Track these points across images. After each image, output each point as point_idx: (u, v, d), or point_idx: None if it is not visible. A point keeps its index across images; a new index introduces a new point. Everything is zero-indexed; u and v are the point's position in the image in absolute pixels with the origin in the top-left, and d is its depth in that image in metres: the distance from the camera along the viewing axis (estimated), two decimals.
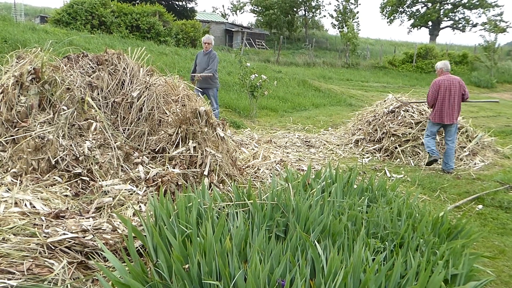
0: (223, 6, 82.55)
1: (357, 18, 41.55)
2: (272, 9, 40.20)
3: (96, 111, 4.84)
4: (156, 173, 4.37)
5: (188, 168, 4.53)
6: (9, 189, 3.75)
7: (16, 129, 4.25)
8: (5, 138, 4.20)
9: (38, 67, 4.57)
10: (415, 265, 2.46)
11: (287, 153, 7.17)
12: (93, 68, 5.45)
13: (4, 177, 3.94)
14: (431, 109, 6.85)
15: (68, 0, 19.71)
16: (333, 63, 27.93)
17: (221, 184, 4.62)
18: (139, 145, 4.94)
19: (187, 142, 4.73)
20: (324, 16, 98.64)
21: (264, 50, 34.67)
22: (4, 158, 4.10)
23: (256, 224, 2.97)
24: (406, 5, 47.29)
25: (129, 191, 4.12)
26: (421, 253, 2.83)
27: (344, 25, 40.03)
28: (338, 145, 8.34)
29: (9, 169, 4.04)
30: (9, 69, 4.65)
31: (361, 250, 2.50)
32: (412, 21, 48.03)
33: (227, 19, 45.44)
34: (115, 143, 4.62)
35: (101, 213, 3.74)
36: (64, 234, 3.10)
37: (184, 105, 5.20)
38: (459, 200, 5.36)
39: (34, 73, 4.54)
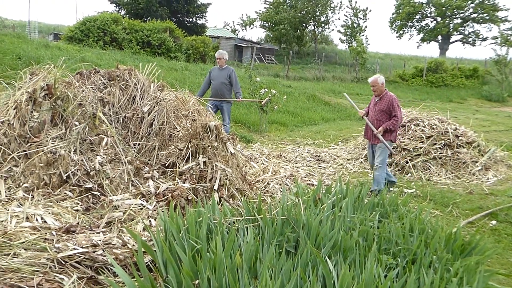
0: (233, 22, 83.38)
1: (366, 32, 41.59)
2: (281, 25, 40.48)
3: (107, 126, 4.88)
4: (166, 188, 4.38)
5: (198, 183, 4.53)
6: (20, 204, 3.77)
7: (29, 144, 4.29)
8: (17, 153, 4.24)
9: (51, 83, 4.64)
10: (429, 282, 2.42)
11: (297, 167, 7.14)
12: (105, 84, 5.51)
13: (16, 191, 3.97)
14: (392, 130, 5.77)
15: (81, 18, 20.08)
16: (342, 78, 27.95)
17: (231, 199, 4.60)
18: (149, 160, 4.96)
19: (197, 156, 4.74)
20: (333, 30, 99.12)
21: (273, 65, 34.84)
22: (17, 173, 4.14)
23: (266, 239, 2.95)
24: (415, 19, 47.36)
25: (139, 206, 4.12)
26: (434, 270, 2.78)
27: (353, 40, 40.15)
28: (348, 159, 8.30)
29: (21, 183, 4.07)
30: (23, 85, 4.72)
31: (373, 267, 2.47)
32: (421, 35, 48.03)
33: (237, 35, 45.84)
34: (125, 158, 4.64)
35: (111, 228, 3.74)
36: (74, 249, 3.10)
37: (194, 120, 5.23)
38: (472, 215, 5.28)
39: (47, 89, 4.60)
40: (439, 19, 45.60)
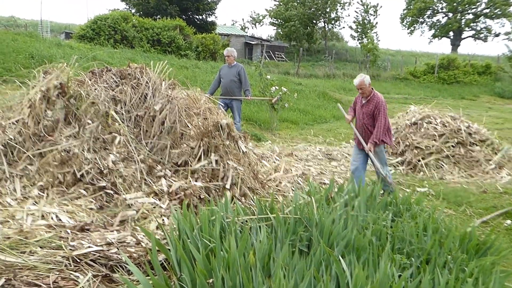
0: (242, 19, 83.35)
1: (376, 29, 41.31)
2: (291, 22, 40.37)
3: (119, 124, 4.91)
4: (179, 186, 4.40)
5: (210, 182, 4.54)
6: (36, 202, 3.82)
7: (43, 143, 4.34)
8: (32, 152, 4.29)
9: (64, 82, 4.68)
10: (443, 282, 2.41)
11: (309, 166, 7.13)
12: (117, 82, 5.54)
13: (31, 190, 4.02)
14: (385, 135, 5.43)
15: (92, 16, 20.23)
16: (353, 75, 27.72)
17: (243, 198, 4.61)
18: (161, 158, 4.98)
19: (209, 155, 4.75)
20: (343, 27, 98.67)
21: (283, 63, 34.77)
22: (31, 171, 4.19)
23: (279, 238, 2.96)
24: (426, 15, 46.90)
25: (152, 204, 4.15)
26: (449, 270, 2.76)
27: (363, 37, 39.91)
28: None
29: (36, 182, 4.12)
30: (37, 84, 4.77)
31: (387, 266, 2.46)
32: (433, 31, 47.57)
33: (246, 32, 45.81)
34: (138, 156, 4.67)
35: (124, 226, 3.77)
36: (89, 247, 3.13)
37: (206, 118, 5.24)
38: (486, 215, 5.23)
39: (61, 88, 4.64)
40: (450, 14, 45.10)
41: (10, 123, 4.42)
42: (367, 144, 5.40)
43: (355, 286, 2.32)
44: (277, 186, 5.50)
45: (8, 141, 4.27)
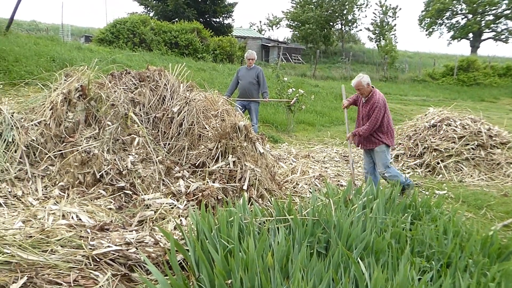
0: (259, 21, 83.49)
1: (395, 31, 40.89)
2: (308, 24, 40.28)
3: (138, 126, 4.97)
4: (197, 187, 4.42)
5: (227, 183, 4.56)
6: (57, 202, 3.88)
7: (64, 144, 4.42)
8: (53, 152, 4.37)
9: (85, 84, 4.75)
10: (465, 286, 2.37)
11: (326, 168, 7.10)
12: (136, 85, 5.61)
13: (52, 190, 4.09)
14: (387, 135, 5.39)
15: (111, 20, 20.50)
16: (371, 77, 27.37)
17: (260, 199, 4.62)
18: (179, 160, 5.02)
19: (226, 156, 4.77)
20: (361, 30, 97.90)
21: (300, 65, 34.71)
22: (53, 172, 4.27)
23: (297, 240, 2.95)
24: (445, 16, 46.28)
25: (170, 205, 4.18)
26: (470, 274, 2.72)
27: (381, 38, 39.59)
28: None
29: (57, 182, 4.20)
30: (58, 86, 4.86)
31: (407, 269, 2.43)
32: (452, 33, 46.92)
33: (263, 35, 45.87)
34: (156, 157, 4.71)
35: (143, 227, 3.81)
36: (108, 246, 3.17)
37: (224, 120, 5.26)
38: (507, 218, 5.13)
39: (81, 90, 4.72)
40: (470, 16, 44.43)
41: (32, 125, 4.51)
42: (367, 146, 5.49)
43: None
44: (294, 188, 5.49)
45: (31, 142, 4.36)
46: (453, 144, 7.65)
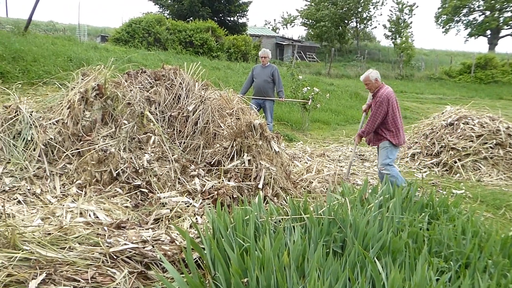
0: (274, 20, 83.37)
1: (411, 28, 40.45)
2: (322, 22, 40.08)
3: (154, 125, 5.00)
4: (212, 186, 4.44)
5: (242, 181, 4.56)
6: (74, 200, 3.93)
7: (81, 142, 4.47)
8: (71, 151, 4.42)
9: (102, 83, 4.80)
10: (484, 287, 2.33)
11: (341, 167, 7.05)
12: (151, 84, 5.64)
13: (70, 188, 4.14)
14: (392, 133, 5.27)
15: (126, 20, 20.70)
16: (386, 75, 27.33)
17: (275, 198, 4.61)
18: (194, 158, 5.04)
19: (242, 155, 4.77)
20: (376, 27, 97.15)
21: (315, 63, 34.56)
22: (70, 170, 4.32)
23: (312, 239, 2.93)
24: (462, 13, 45.61)
25: (185, 203, 4.20)
26: (489, 275, 2.67)
27: (397, 36, 39.21)
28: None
29: (75, 180, 4.25)
30: (75, 85, 4.92)
31: (424, 269, 2.40)
32: (469, 30, 46.22)
33: (277, 33, 45.78)
34: (172, 156, 4.74)
35: (159, 225, 3.84)
36: (125, 244, 3.20)
37: (239, 118, 5.26)
38: None
39: (98, 89, 4.77)
40: (488, 12, 43.70)
41: (50, 124, 4.57)
42: (374, 143, 5.46)
43: None
44: (307, 187, 5.47)
45: (49, 140, 4.42)
46: (470, 142, 7.54)
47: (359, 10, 42.22)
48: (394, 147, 5.29)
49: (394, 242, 2.87)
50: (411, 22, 42.41)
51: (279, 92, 8.23)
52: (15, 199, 3.84)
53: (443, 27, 47.41)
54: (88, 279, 2.79)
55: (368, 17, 43.79)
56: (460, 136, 7.77)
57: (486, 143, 7.52)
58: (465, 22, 46.40)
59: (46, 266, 2.81)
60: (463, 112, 8.37)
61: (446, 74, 28.72)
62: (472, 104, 9.31)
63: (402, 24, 39.92)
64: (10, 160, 4.28)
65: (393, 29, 40.79)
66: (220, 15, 30.72)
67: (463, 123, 7.98)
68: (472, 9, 45.12)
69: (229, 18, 31.67)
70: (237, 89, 8.92)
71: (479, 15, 45.19)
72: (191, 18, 27.49)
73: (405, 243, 2.88)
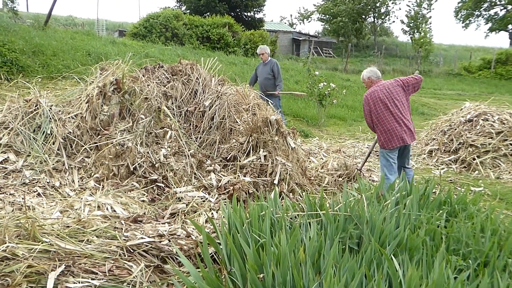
0: (290, 15, 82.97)
1: (430, 24, 39.83)
2: (339, 17, 39.76)
3: (171, 119, 5.03)
4: (228, 181, 4.45)
5: (258, 177, 4.56)
6: (92, 193, 3.98)
7: (99, 136, 4.52)
8: (89, 145, 4.48)
9: (119, 78, 4.84)
10: (504, 286, 2.29)
11: (357, 163, 7.00)
12: (168, 78, 5.67)
13: (88, 181, 4.19)
14: (377, 133, 5.10)
15: (144, 15, 20.83)
16: (403, 71, 27.01)
17: (290, 193, 4.60)
18: (210, 153, 5.06)
19: (257, 150, 4.77)
20: (394, 22, 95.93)
21: (331, 59, 34.34)
22: (88, 163, 4.38)
23: (328, 235, 2.92)
24: (483, 8, 44.70)
25: (201, 198, 4.22)
26: (509, 274, 2.62)
27: (415, 31, 38.67)
28: (410, 155, 8.02)
29: (93, 174, 4.30)
30: (94, 80, 4.97)
31: (442, 267, 2.37)
32: (489, 24, 45.27)
33: (294, 28, 45.57)
34: (188, 151, 4.76)
35: (175, 219, 3.86)
36: (142, 238, 3.23)
37: (255, 114, 5.26)
38: None
39: (116, 84, 4.81)
40: (509, 7, 42.74)
41: (69, 117, 4.64)
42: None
43: (408, 286, 2.25)
44: (321, 182, 5.44)
45: (68, 134, 4.49)
46: (490, 139, 7.42)
47: (377, 5, 41.74)
48: (385, 150, 4.99)
49: (411, 239, 2.84)
50: (430, 17, 41.74)
51: (276, 86, 8.12)
52: (34, 192, 3.91)
53: (463, 22, 46.51)
54: (105, 272, 2.82)
55: (386, 12, 43.26)
56: (479, 132, 7.65)
57: (506, 139, 7.39)
58: (485, 16, 45.45)
59: (65, 258, 2.85)
60: (482, 109, 8.23)
61: (465, 69, 28.24)
62: (492, 100, 9.15)
63: (420, 19, 39.34)
64: (30, 153, 4.35)
65: (411, 24, 40.23)
66: (237, 10, 30.71)
67: (482, 120, 7.85)
68: (493, 3, 44.16)
69: (245, 14, 31.65)
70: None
71: (501, 9, 44.24)
72: (208, 13, 27.54)
73: (422, 241, 2.85)
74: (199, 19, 22.15)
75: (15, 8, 18.70)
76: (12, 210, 3.46)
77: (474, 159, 7.24)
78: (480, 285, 2.30)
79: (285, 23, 48.31)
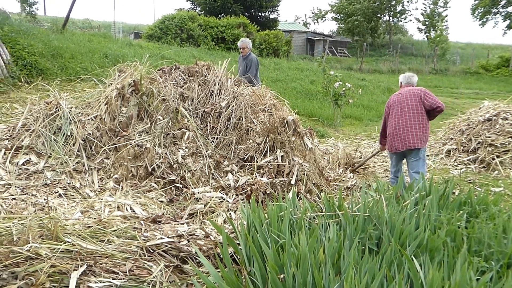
0: (305, 15, 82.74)
1: (446, 22, 39.27)
2: (354, 16, 39.51)
3: (188, 120, 5.06)
4: (245, 182, 4.46)
5: (275, 177, 4.56)
6: (112, 194, 4.03)
7: (118, 137, 4.57)
8: (108, 146, 4.53)
9: (137, 79, 4.89)
10: None
11: (374, 163, 6.96)
12: (185, 80, 5.71)
13: (107, 182, 4.25)
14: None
15: (159, 17, 21.00)
16: (419, 70, 26.73)
17: (308, 194, 4.60)
18: (227, 154, 5.08)
19: (274, 151, 4.77)
20: (410, 20, 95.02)
21: (346, 58, 34.14)
22: (108, 164, 4.43)
23: (348, 236, 2.91)
24: (500, 5, 43.94)
25: (219, 199, 4.24)
26: None
27: (431, 29, 38.23)
28: (427, 155, 7.94)
29: (112, 175, 4.35)
30: (112, 82, 5.03)
31: (464, 269, 2.34)
32: (507, 22, 44.47)
33: (308, 28, 45.41)
34: (206, 151, 4.79)
35: (193, 219, 3.89)
36: (161, 238, 3.26)
37: (271, 114, 5.27)
38: None
39: (134, 86, 4.86)
40: None
41: (89, 119, 4.70)
42: None
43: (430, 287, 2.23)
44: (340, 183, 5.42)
45: (87, 136, 4.55)
46: (510, 139, 7.30)
47: (393, 3, 41.36)
48: (389, 152, 5.31)
49: (431, 240, 2.81)
50: (446, 16, 41.20)
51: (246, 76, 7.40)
52: (56, 192, 3.97)
53: (480, 20, 45.77)
54: (126, 272, 2.86)
55: (401, 11, 42.84)
56: (499, 132, 7.54)
57: None
58: (503, 14, 44.68)
59: (87, 258, 2.89)
60: (501, 107, 8.11)
61: (482, 68, 27.82)
62: (511, 99, 8.99)
63: (436, 17, 38.87)
64: (51, 154, 4.42)
65: (427, 23, 39.77)
66: (252, 10, 30.71)
67: (501, 119, 7.74)
68: (511, 1, 43.43)
69: (260, 14, 31.63)
70: (269, 85, 8.90)
71: None
72: (223, 14, 27.62)
73: (443, 242, 2.82)
74: (214, 20, 22.25)
75: (33, 12, 19.00)
76: (35, 211, 3.52)
77: (493, 158, 7.14)
78: (504, 287, 2.27)
79: (299, 23, 48.17)
